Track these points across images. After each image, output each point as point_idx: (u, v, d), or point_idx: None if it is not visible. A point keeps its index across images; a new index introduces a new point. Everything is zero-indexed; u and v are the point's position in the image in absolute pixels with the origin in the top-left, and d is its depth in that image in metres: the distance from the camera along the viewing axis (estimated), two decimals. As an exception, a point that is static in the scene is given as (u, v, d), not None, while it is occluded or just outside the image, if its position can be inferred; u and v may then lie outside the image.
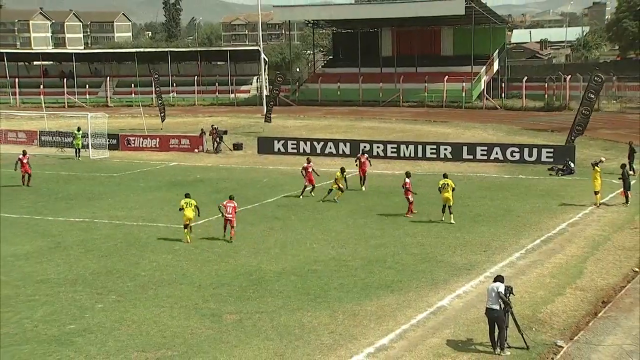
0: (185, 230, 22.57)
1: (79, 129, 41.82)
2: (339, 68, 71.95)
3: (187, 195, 23.07)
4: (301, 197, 29.07)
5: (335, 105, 65.80)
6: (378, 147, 39.66)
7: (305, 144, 41.42)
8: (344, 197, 29.21)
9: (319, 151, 40.69)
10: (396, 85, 65.69)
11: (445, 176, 25.33)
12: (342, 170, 29.02)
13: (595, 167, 27.02)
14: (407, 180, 25.86)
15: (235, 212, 23.05)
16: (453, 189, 24.49)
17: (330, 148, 40.74)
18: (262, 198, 29.04)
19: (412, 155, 38.49)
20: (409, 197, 25.67)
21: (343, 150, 40.39)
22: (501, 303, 14.06)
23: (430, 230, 23.67)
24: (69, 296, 17.58)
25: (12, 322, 15.92)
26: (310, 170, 29.48)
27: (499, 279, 14.50)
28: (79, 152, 41.34)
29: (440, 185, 24.74)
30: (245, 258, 20.86)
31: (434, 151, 38.46)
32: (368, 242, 22.37)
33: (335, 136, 44.79)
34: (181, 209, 22.60)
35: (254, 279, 18.87)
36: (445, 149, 38.37)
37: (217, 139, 43.26)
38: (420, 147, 38.86)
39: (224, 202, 23.02)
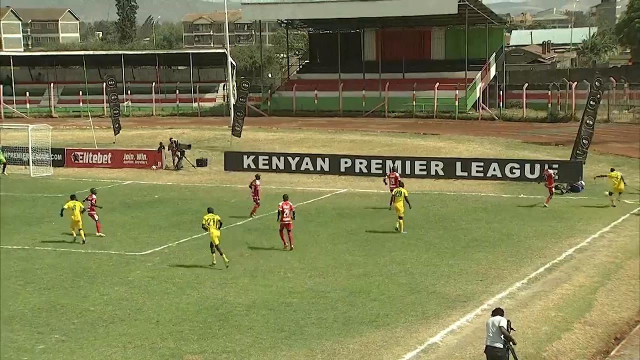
0: (213, 254, 22.86)
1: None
2: (317, 74, 72.27)
3: (210, 210, 23.33)
4: (251, 217, 29.57)
5: (312, 116, 66.02)
6: (361, 163, 39.84)
7: (279, 159, 41.48)
8: (322, 220, 29.25)
9: (294, 167, 40.77)
10: (381, 93, 66.12)
11: (401, 185, 27.93)
12: None
13: (612, 171, 31.02)
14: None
15: (293, 214, 24.60)
16: (405, 197, 26.76)
17: (307, 164, 40.84)
18: (229, 221, 28.92)
19: (400, 172, 38.60)
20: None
21: (321, 167, 40.52)
22: (504, 340, 14.06)
23: (419, 257, 23.77)
24: (4, 336, 17.38)
25: (-61, 366, 15.71)
26: (259, 188, 29.93)
27: (498, 312, 14.56)
28: (4, 168, 40.93)
29: (394, 193, 27.26)
30: (210, 289, 20.79)
31: (424, 167, 38.70)
32: (350, 271, 22.41)
33: (313, 150, 44.92)
34: (205, 227, 22.98)
35: (219, 314, 18.80)
36: (437, 165, 38.64)
37: (178, 154, 43.18)
38: (408, 162, 39.07)
39: (280, 204, 24.56)
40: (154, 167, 43.23)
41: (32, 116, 70.02)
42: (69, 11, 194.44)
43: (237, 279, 21.76)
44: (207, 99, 75.26)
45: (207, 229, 23.02)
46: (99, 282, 21.56)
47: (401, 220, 26.90)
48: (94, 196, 27.45)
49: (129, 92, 72.49)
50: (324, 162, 40.72)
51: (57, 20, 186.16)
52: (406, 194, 26.96)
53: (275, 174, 39.70)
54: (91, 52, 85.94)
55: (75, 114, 70.32)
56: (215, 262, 22.97)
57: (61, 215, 26.53)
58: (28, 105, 73.56)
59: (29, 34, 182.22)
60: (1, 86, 73.65)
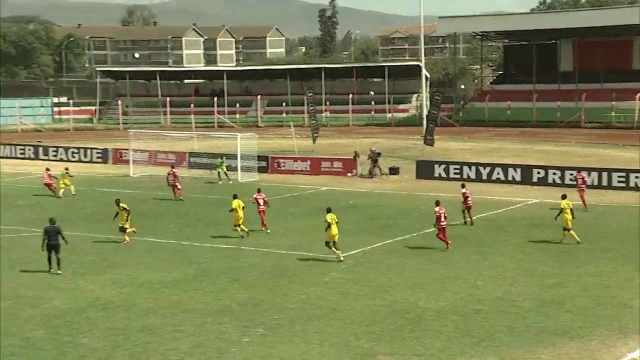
0: (333, 249, 24.21)
1: (221, 160, 43.03)
2: (510, 84, 70.56)
3: (328, 211, 24.76)
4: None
5: (504, 126, 64.43)
6: (554, 174, 38.32)
7: (470, 168, 40.83)
8: (513, 229, 28.43)
9: (485, 177, 39.99)
10: (577, 103, 63.33)
11: (564, 197, 26.45)
12: None
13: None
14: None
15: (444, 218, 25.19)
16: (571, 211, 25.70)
17: (498, 174, 39.90)
18: (419, 228, 28.86)
19: (595, 183, 36.76)
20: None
21: (513, 177, 39.45)
22: None
23: (616, 271, 22.45)
24: (215, 328, 18.30)
25: (158, 352, 16.82)
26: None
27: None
28: (225, 175, 42.98)
29: (563, 206, 25.76)
30: (401, 293, 20.82)
31: (623, 179, 36.57)
32: (541, 281, 21.60)
33: (504, 160, 43.82)
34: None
35: (410, 317, 18.76)
36: (637, 177, 36.36)
37: (373, 162, 43.61)
38: (605, 174, 37.10)
39: (436, 208, 25.37)
40: (349, 174, 43.96)
41: (240, 125, 73.60)
42: (276, 28, 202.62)
43: (428, 284, 21.62)
44: (400, 109, 75.66)
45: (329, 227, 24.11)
46: (298, 282, 22.20)
47: (568, 232, 25.81)
48: (262, 194, 29.10)
49: (327, 103, 74.30)
50: (515, 172, 39.61)
51: (265, 37, 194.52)
52: (571, 206, 26.04)
53: (465, 182, 38.98)
54: (294, 66, 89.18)
55: (279, 124, 73.07)
56: (341, 258, 24.03)
57: (230, 211, 28.04)
58: (238, 116, 77.44)
59: (240, 49, 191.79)
60: (216, 98, 78.09)
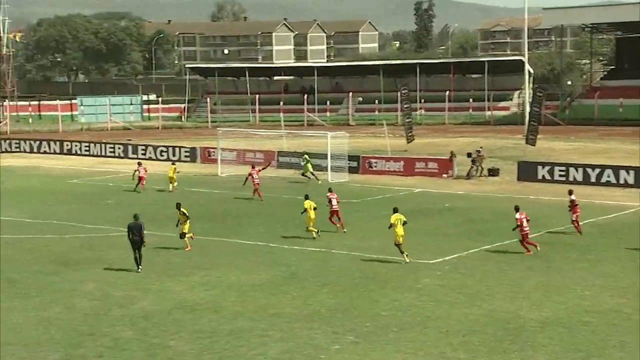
0: (403, 253, 24.58)
1: (305, 159, 43.27)
2: (623, 80, 68.38)
3: (395, 210, 25.10)
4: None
5: (616, 125, 62.52)
6: (671, 177, 36.91)
7: (577, 170, 39.77)
8: (625, 236, 27.49)
9: (593, 179, 38.90)
10: (699, 99, 60.74)
11: None
12: None
13: None
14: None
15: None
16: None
17: (609, 176, 38.73)
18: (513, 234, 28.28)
19: None
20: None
21: (625, 180, 38.21)
22: None
23: None
24: (304, 334, 18.43)
25: (246, 357, 17.07)
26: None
27: None
28: (312, 174, 43.23)
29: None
30: (501, 302, 20.46)
31: None
32: (657, 293, 20.82)
33: (616, 162, 42.46)
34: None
35: (511, 328, 18.41)
36: None
37: (474, 163, 42.92)
38: None
39: (519, 215, 25.18)
40: (444, 175, 43.50)
41: (331, 124, 73.98)
42: (369, 22, 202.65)
43: (529, 292, 21.18)
44: (500, 107, 74.48)
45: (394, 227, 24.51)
46: (390, 288, 22.12)
47: None
48: (334, 194, 29.63)
49: (422, 100, 73.80)
50: (628, 174, 38.37)
51: (358, 32, 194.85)
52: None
53: (572, 186, 37.98)
54: (387, 62, 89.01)
55: (371, 122, 73.03)
56: (407, 260, 24.31)
57: (302, 213, 28.58)
58: (328, 114, 77.84)
59: (331, 45, 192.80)
60: (306, 96, 78.70)
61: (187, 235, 26.76)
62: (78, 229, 30.85)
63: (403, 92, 56.42)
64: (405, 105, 55.83)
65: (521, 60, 63.49)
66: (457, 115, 73.98)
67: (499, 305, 20.24)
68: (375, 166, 46.00)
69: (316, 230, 28.36)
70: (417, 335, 18.16)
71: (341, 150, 45.27)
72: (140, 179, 39.81)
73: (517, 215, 25.26)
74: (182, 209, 26.68)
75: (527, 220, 25.27)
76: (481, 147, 45.20)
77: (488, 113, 72.61)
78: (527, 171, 41.39)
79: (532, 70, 70.19)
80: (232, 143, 49.37)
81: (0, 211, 34.06)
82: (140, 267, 23.95)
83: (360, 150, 50.53)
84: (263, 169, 39.69)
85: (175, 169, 40.60)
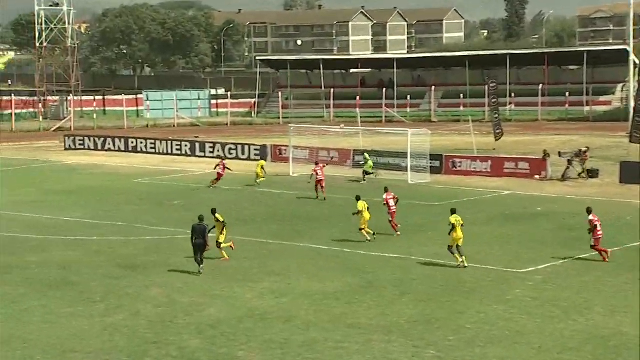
0: (457, 255, 24.90)
1: (365, 158, 43.43)
2: None
3: (453, 212, 25.35)
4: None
5: None
6: None
7: (688, 172, 38.62)
8: None
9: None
10: None
11: None
12: None
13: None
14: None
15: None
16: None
17: None
18: (622, 241, 27.74)
19: None
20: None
21: None
22: None
23: None
24: (381, 347, 18.45)
25: (319, 369, 17.21)
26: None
27: None
28: (366, 174, 43.20)
29: None
30: (600, 317, 20.13)
31: None
32: None
33: None
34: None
35: (611, 346, 18.10)
36: None
37: (570, 163, 42.12)
38: None
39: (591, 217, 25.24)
40: (537, 176, 42.84)
41: (411, 120, 73.58)
42: (455, 10, 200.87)
43: (632, 307, 20.75)
44: (601, 101, 72.91)
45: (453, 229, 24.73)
46: (475, 298, 21.94)
47: None
48: (391, 194, 29.85)
49: (512, 94, 72.79)
50: None
51: (442, 20, 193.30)
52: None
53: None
54: (474, 53, 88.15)
55: (455, 119, 72.33)
56: (466, 264, 24.65)
57: (355, 214, 28.92)
58: (408, 109, 77.52)
59: (412, 34, 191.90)
60: (384, 90, 78.52)
61: (223, 245, 26.23)
62: (143, 230, 31.57)
63: (491, 85, 55.81)
64: (493, 100, 55.21)
65: (625, 49, 62.06)
66: (551, 111, 72.74)
67: (598, 320, 19.92)
68: (459, 166, 45.61)
69: (372, 232, 28.59)
70: (505, 351, 17.97)
71: (422, 149, 45.02)
72: (218, 175, 40.97)
73: (590, 217, 25.22)
74: (216, 215, 26.09)
75: (600, 224, 25.13)
76: (587, 147, 44.34)
77: (587, 108, 71.22)
78: (630, 172, 40.45)
79: (637, 61, 68.35)
80: (304, 140, 49.68)
81: (67, 212, 35.22)
82: (201, 270, 24.46)
83: (444, 148, 50.20)
84: (324, 167, 40.07)
85: (261, 165, 42.09)
